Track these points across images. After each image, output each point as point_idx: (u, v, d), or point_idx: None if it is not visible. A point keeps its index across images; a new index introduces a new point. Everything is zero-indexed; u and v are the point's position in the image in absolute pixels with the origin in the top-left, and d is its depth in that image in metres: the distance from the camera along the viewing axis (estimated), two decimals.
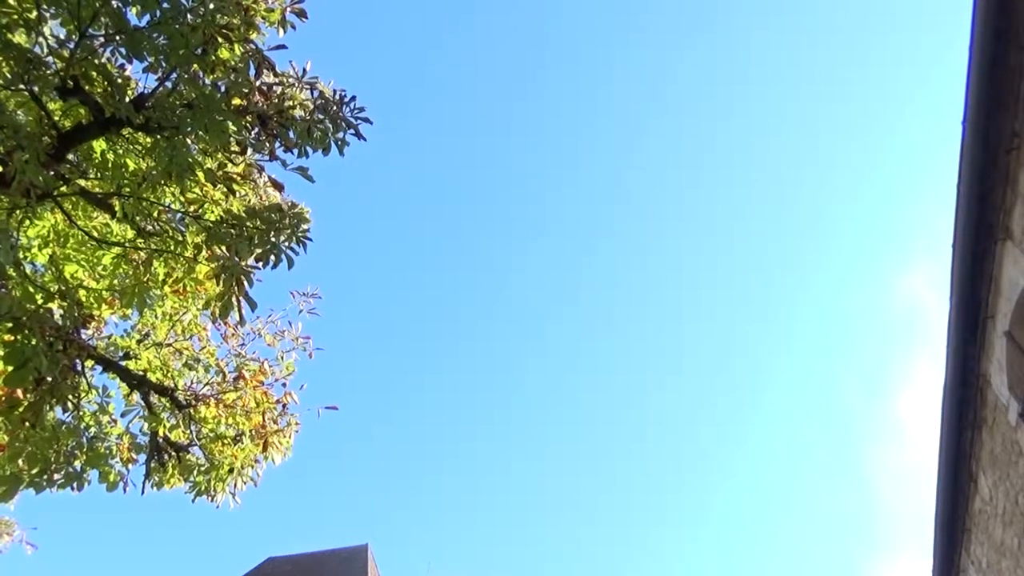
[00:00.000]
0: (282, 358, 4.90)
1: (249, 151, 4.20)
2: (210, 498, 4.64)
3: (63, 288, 4.00)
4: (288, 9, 4.02)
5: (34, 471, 4.00)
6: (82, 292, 4.25)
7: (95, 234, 4.22)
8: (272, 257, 4.05)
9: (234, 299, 4.06)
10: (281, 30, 4.03)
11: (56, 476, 4.13)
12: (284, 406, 4.88)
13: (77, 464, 4.21)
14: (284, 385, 4.90)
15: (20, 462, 4.00)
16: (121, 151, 4.04)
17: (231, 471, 4.63)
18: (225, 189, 4.11)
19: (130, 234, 4.23)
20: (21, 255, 3.90)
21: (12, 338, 3.48)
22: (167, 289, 4.37)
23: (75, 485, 4.17)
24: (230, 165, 4.18)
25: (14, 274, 3.63)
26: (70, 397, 3.88)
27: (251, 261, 4.05)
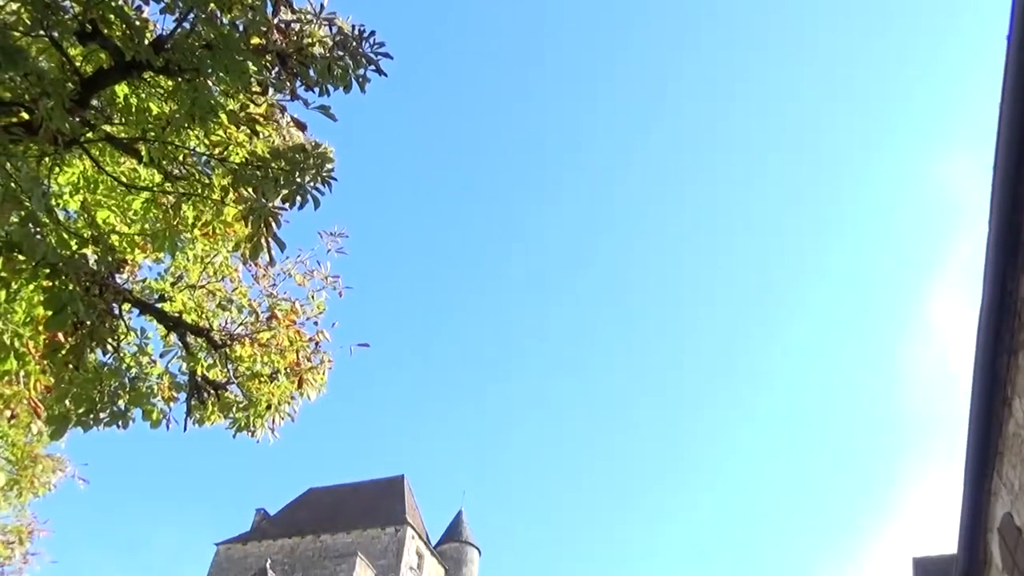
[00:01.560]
0: (312, 297, 4.97)
1: (270, 91, 4.18)
2: (250, 433, 4.79)
3: (96, 234, 4.08)
4: None
5: (80, 411, 4.16)
6: (114, 237, 4.32)
7: (123, 179, 4.26)
8: (298, 198, 4.07)
9: (263, 240, 4.11)
10: None
11: (102, 415, 4.29)
12: (317, 344, 4.97)
13: (121, 403, 4.36)
14: (316, 324, 4.98)
15: (67, 402, 4.16)
16: (144, 95, 4.04)
17: (269, 407, 4.76)
18: (248, 130, 4.10)
19: (157, 178, 4.26)
20: (53, 202, 3.96)
21: (50, 284, 3.57)
22: (197, 232, 4.42)
23: (120, 423, 4.34)
24: (252, 106, 4.16)
25: (48, 221, 3.70)
26: (109, 340, 3.99)
27: (278, 202, 4.08)
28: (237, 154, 4.14)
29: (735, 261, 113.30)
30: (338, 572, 27.56)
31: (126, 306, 4.34)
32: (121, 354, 4.39)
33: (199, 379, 4.66)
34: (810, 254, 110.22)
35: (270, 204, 4.01)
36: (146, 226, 4.35)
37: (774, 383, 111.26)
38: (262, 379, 4.77)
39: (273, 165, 4.02)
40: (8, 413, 4.46)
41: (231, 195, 4.15)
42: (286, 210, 4.09)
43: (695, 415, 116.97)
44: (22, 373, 4.00)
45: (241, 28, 3.79)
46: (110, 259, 3.97)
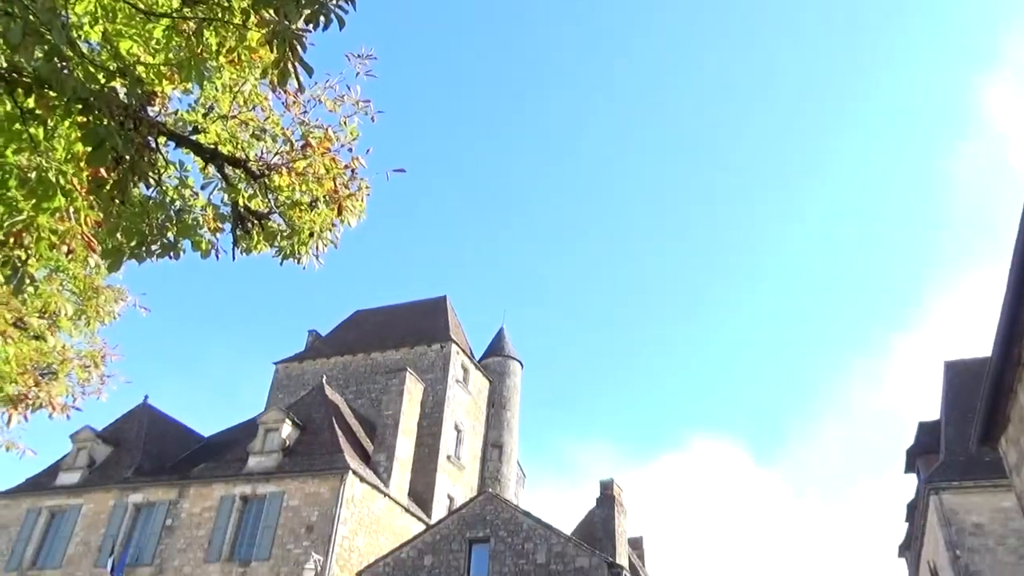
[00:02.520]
0: (345, 123, 4.90)
1: None
2: (296, 260, 4.93)
3: (121, 66, 4.01)
4: None
5: (132, 244, 4.31)
6: (140, 68, 4.24)
7: (141, 5, 4.11)
8: (322, 17, 3.90)
9: (290, 65, 3.99)
10: None
11: (154, 247, 4.44)
12: (353, 171, 4.97)
13: (170, 235, 4.49)
14: (350, 150, 4.95)
15: (118, 236, 4.29)
16: None
17: (311, 235, 4.86)
18: None
19: (176, 3, 4.10)
20: (74, 34, 3.86)
21: (85, 119, 3.57)
22: (222, 59, 4.31)
23: (172, 254, 4.49)
24: None
25: (72, 54, 3.63)
26: (150, 174, 4.04)
27: (301, 24, 3.92)
28: None
29: (779, 63, 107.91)
30: (389, 386, 29.34)
31: (161, 139, 4.34)
32: (164, 188, 4.46)
33: (242, 210, 4.73)
34: (857, 52, 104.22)
35: (293, 26, 3.87)
36: (170, 55, 4.25)
37: (824, 181, 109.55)
38: (302, 208, 4.83)
39: None
40: (65, 249, 4.63)
41: (252, 18, 4.00)
42: (310, 32, 3.94)
43: (741, 212, 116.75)
44: (71, 209, 4.10)
45: None
46: (139, 91, 3.92)
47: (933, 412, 23.66)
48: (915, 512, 21.42)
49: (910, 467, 21.61)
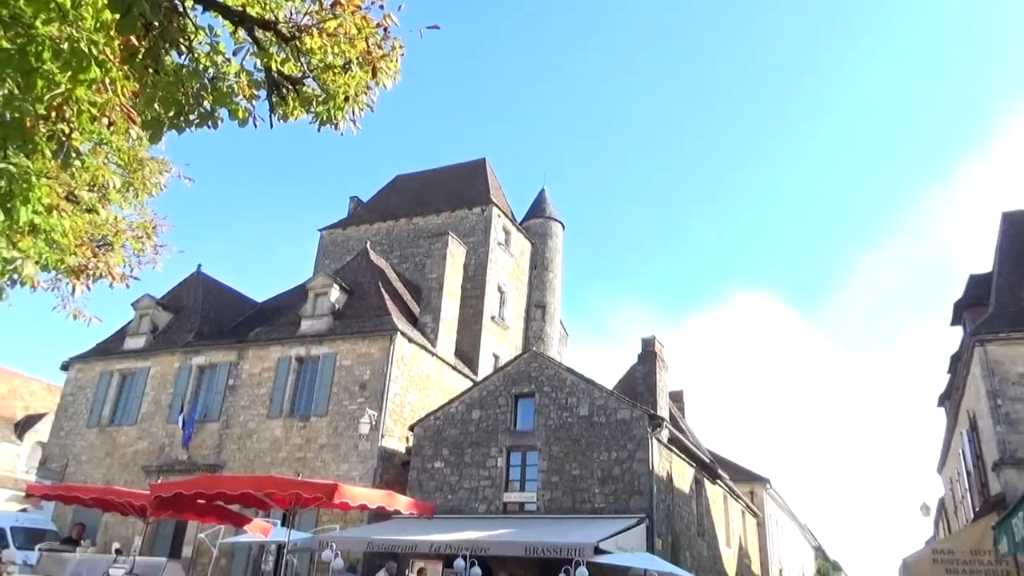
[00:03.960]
0: None
1: None
2: (333, 126, 4.87)
3: None
4: None
5: (171, 114, 4.30)
6: None
7: None
8: None
9: None
10: None
11: (191, 116, 4.43)
12: (385, 29, 4.80)
13: (207, 104, 4.46)
14: (382, 7, 4.76)
15: (156, 106, 4.29)
16: None
17: (346, 99, 4.77)
18: None
19: None
20: None
21: None
22: None
23: (210, 123, 4.48)
24: None
25: None
26: (181, 40, 3.97)
27: None
28: None
29: None
30: (432, 250, 29.72)
31: (189, 2, 4.23)
32: (196, 54, 4.38)
33: (275, 75, 4.65)
34: None
35: None
36: None
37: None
38: (336, 70, 4.73)
39: None
40: (105, 121, 4.65)
41: None
42: None
43: (803, 51, 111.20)
44: (107, 80, 4.08)
45: None
46: None
47: (984, 266, 23.25)
48: (958, 363, 21.54)
49: (956, 320, 21.52)
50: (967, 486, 21.36)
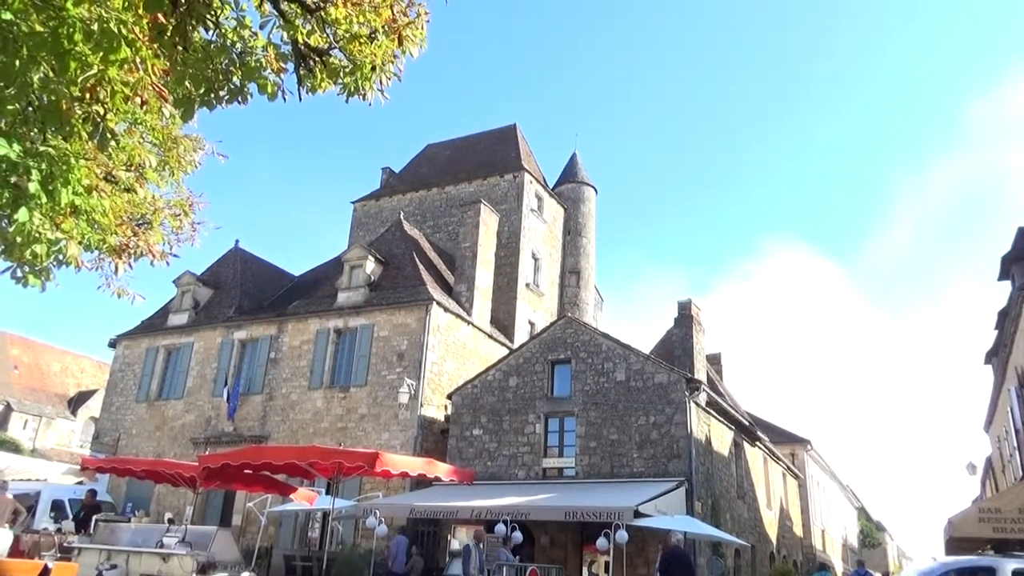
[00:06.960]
0: None
1: None
2: (361, 97, 4.85)
3: None
4: None
5: (201, 91, 4.33)
6: None
7: None
8: None
9: None
10: None
11: (222, 93, 4.45)
12: None
13: (236, 79, 4.48)
14: None
15: (187, 84, 4.31)
16: None
17: (374, 69, 4.74)
18: None
19: None
20: None
21: None
22: None
23: (240, 99, 4.50)
24: None
25: None
26: (207, 16, 3.97)
27: None
28: None
29: None
30: (465, 219, 29.72)
31: None
32: (223, 30, 4.39)
33: (302, 47, 4.65)
34: None
35: None
36: None
37: None
38: (362, 40, 4.70)
39: None
40: (138, 101, 4.69)
41: None
42: None
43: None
44: (138, 60, 4.11)
45: None
46: None
47: None
48: (1006, 319, 21.01)
49: (1004, 274, 20.95)
50: (1015, 444, 20.98)
